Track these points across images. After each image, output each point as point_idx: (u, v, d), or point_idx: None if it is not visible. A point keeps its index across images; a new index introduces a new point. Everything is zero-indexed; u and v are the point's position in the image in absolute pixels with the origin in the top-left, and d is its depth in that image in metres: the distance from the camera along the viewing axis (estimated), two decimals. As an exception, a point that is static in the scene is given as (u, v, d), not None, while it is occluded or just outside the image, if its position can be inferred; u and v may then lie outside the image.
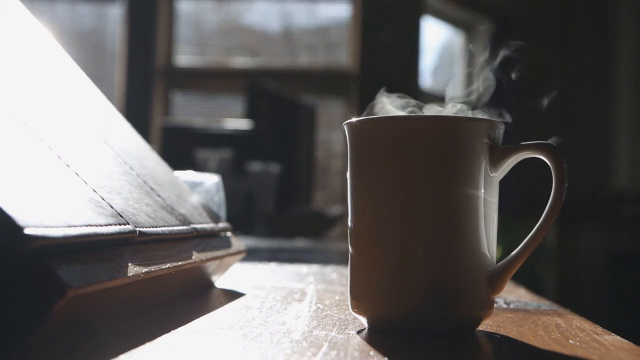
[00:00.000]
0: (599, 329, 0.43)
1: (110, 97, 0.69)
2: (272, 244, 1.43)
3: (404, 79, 3.51)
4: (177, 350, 0.35)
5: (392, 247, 0.41)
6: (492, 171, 0.42)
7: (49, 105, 0.49)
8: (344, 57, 3.70)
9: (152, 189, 0.53)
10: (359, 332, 0.41)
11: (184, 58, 3.73)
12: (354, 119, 0.43)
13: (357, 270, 0.43)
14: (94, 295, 0.33)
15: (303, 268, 0.83)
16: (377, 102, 0.47)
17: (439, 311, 0.40)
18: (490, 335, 0.41)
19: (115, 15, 3.71)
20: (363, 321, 0.43)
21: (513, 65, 0.46)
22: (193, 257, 0.50)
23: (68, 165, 0.41)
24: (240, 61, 3.71)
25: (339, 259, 1.03)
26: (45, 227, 0.31)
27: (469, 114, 0.45)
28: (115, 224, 0.39)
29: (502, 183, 0.43)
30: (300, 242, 1.60)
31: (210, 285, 0.62)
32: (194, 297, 0.54)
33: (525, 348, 0.38)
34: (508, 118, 0.45)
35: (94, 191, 0.41)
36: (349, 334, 0.40)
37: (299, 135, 2.74)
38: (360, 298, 0.42)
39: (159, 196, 0.53)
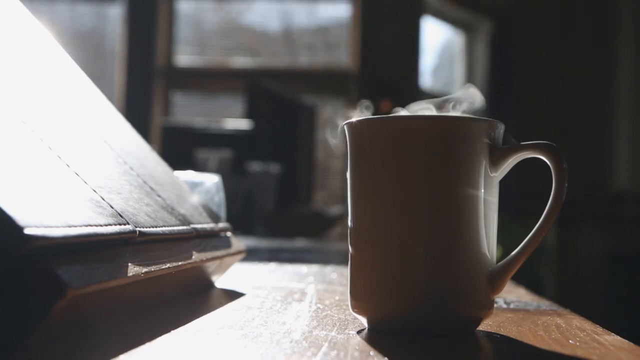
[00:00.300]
0: (599, 329, 0.43)
1: (110, 97, 0.69)
2: (272, 244, 1.43)
3: (404, 79, 3.52)
4: (177, 350, 0.35)
5: (392, 247, 0.41)
6: (492, 171, 0.42)
7: (49, 105, 0.49)
8: (344, 57, 3.70)
9: (152, 189, 0.53)
10: (359, 332, 0.41)
11: (184, 58, 3.73)
12: (354, 119, 0.43)
13: (357, 270, 0.43)
14: (94, 295, 0.33)
15: (303, 268, 0.83)
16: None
17: (439, 311, 0.40)
18: (490, 335, 0.41)
19: (115, 15, 3.71)
20: (363, 321, 0.43)
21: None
22: (193, 257, 0.50)
23: (68, 165, 0.41)
24: (240, 61, 3.71)
25: (339, 259, 1.03)
26: (45, 227, 0.31)
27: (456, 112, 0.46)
28: (115, 224, 0.39)
29: (502, 183, 0.43)
30: (300, 242, 1.60)
31: (210, 285, 0.62)
32: (194, 297, 0.54)
33: (525, 348, 0.38)
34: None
35: (94, 191, 0.41)
36: (349, 334, 0.40)
37: (299, 135, 2.74)
38: (360, 298, 0.42)
39: (159, 196, 0.53)
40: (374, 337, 0.39)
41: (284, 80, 3.50)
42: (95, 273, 0.34)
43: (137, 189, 0.50)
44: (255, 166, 2.12)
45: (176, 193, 0.59)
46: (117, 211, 0.41)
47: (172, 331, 0.39)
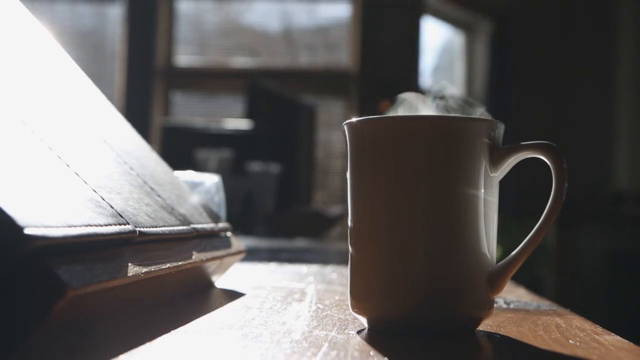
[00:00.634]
0: (599, 329, 0.43)
1: (110, 97, 0.69)
2: (272, 244, 1.43)
3: (404, 79, 3.51)
4: (177, 350, 0.35)
5: (392, 247, 0.41)
6: (492, 171, 0.42)
7: (49, 105, 0.49)
8: (344, 57, 3.70)
9: (152, 189, 0.53)
10: (359, 332, 0.41)
11: (184, 58, 3.73)
12: (354, 119, 0.43)
13: (357, 270, 0.43)
14: (94, 295, 0.33)
15: (303, 268, 0.82)
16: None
17: (439, 311, 0.40)
18: (490, 335, 0.41)
19: (115, 15, 3.71)
20: (363, 321, 0.43)
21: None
22: (193, 257, 0.50)
23: (68, 165, 0.41)
24: (240, 61, 3.71)
25: (339, 259, 1.03)
26: (45, 227, 0.31)
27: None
28: (115, 224, 0.39)
29: (502, 183, 0.43)
30: (300, 242, 1.60)
31: (210, 285, 0.62)
32: (194, 297, 0.54)
33: (525, 348, 0.38)
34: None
35: (94, 191, 0.41)
36: (349, 334, 0.40)
37: (299, 135, 2.74)
38: (360, 298, 0.42)
39: (159, 196, 0.53)
40: (374, 337, 0.39)
41: (284, 80, 3.50)
42: (95, 273, 0.34)
43: (137, 189, 0.50)
44: (255, 166, 2.12)
45: (176, 193, 0.59)
46: (117, 211, 0.41)
47: (172, 331, 0.39)
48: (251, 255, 0.96)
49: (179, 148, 2.39)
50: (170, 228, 0.48)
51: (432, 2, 3.69)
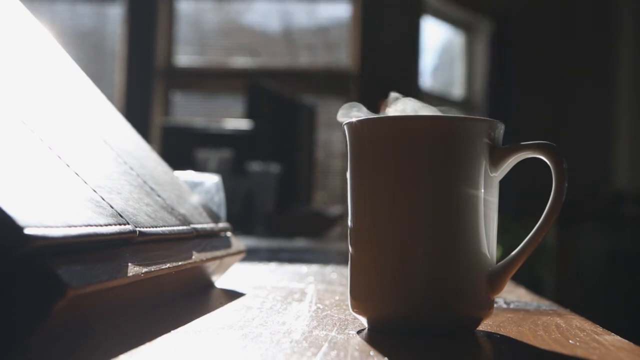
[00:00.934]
0: (599, 329, 0.43)
1: (110, 97, 0.69)
2: (272, 244, 1.43)
3: (404, 79, 3.52)
4: (177, 350, 0.35)
5: (392, 247, 0.41)
6: (492, 171, 0.42)
7: (49, 106, 0.49)
8: (344, 57, 3.70)
9: (152, 189, 0.53)
10: (359, 332, 0.41)
11: (184, 58, 3.73)
12: (354, 119, 0.43)
13: (357, 270, 0.43)
14: (94, 295, 0.33)
15: (303, 268, 0.82)
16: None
17: (439, 311, 0.40)
18: (490, 335, 0.41)
19: (115, 15, 3.71)
20: (363, 321, 0.43)
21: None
22: (193, 257, 0.50)
23: (68, 165, 0.41)
24: (240, 61, 3.71)
25: (339, 259, 1.03)
26: (45, 227, 0.31)
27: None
28: (115, 224, 0.39)
29: (502, 183, 0.44)
30: (300, 242, 1.60)
31: (210, 285, 0.62)
32: (194, 297, 0.54)
33: (525, 348, 0.38)
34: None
35: (94, 191, 0.41)
36: (349, 334, 0.40)
37: (299, 135, 2.74)
38: (360, 298, 0.42)
39: (159, 196, 0.53)
40: (374, 337, 0.39)
41: (284, 80, 3.50)
42: (95, 273, 0.34)
43: (137, 189, 0.50)
44: (255, 166, 2.12)
45: (176, 193, 0.59)
46: (117, 211, 0.41)
47: (172, 331, 0.39)
48: (251, 255, 0.96)
49: (179, 148, 2.39)
50: (170, 228, 0.48)
51: (432, 2, 3.69)
